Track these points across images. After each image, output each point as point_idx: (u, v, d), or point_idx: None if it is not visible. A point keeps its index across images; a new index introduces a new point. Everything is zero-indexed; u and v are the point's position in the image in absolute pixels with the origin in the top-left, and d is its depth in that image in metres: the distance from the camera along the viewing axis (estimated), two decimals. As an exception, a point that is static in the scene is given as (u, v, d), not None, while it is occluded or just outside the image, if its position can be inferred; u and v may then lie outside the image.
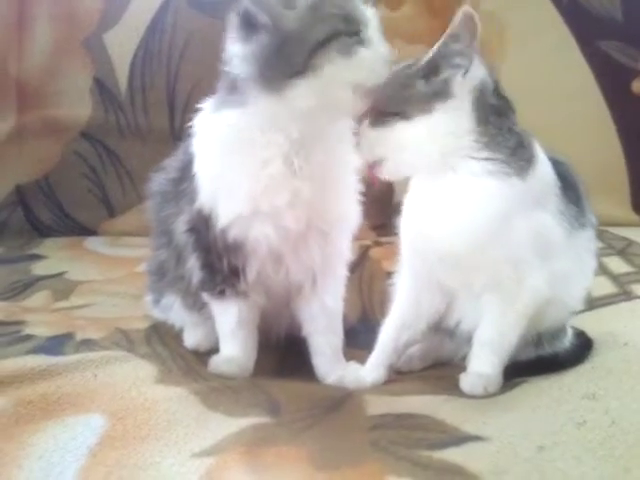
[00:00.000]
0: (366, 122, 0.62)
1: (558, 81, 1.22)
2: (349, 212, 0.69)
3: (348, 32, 0.59)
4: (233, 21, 0.61)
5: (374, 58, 0.60)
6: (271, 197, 0.63)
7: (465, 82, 0.58)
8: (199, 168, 0.66)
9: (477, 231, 0.58)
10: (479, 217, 0.58)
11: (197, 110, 0.68)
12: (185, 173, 0.69)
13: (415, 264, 0.65)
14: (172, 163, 0.74)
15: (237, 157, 0.63)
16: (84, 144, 1.24)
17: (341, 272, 0.72)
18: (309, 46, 0.58)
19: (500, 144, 0.59)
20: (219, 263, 0.67)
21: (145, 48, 1.23)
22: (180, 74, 1.22)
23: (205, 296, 0.71)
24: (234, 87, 0.62)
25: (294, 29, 0.58)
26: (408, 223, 0.63)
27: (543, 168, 0.61)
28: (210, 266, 0.68)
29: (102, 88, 1.23)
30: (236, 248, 0.65)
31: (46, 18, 1.24)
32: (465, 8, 0.57)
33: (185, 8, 1.22)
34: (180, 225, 0.69)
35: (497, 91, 0.61)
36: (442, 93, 0.58)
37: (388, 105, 0.60)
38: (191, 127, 0.68)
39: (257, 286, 0.68)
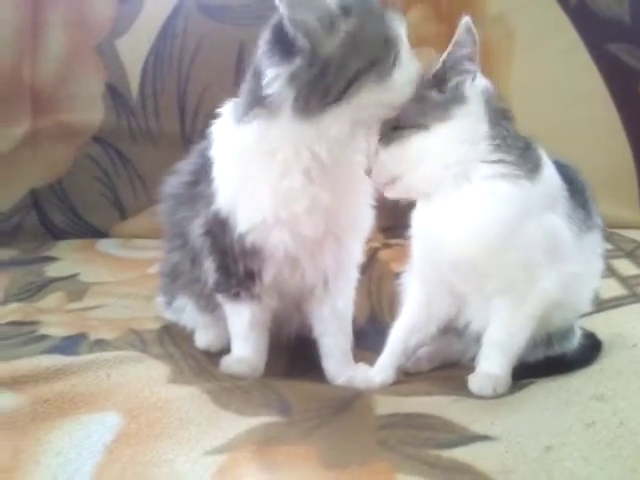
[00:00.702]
0: (377, 144, 0.62)
1: (567, 84, 1.22)
2: (363, 217, 0.69)
3: (387, 57, 0.58)
4: (267, 36, 0.60)
5: (406, 79, 0.60)
6: (290, 205, 0.64)
7: (474, 86, 0.60)
8: (219, 173, 0.66)
9: (490, 235, 0.58)
10: (492, 221, 0.58)
11: (215, 115, 0.68)
12: (201, 176, 0.70)
13: (426, 269, 0.65)
14: (185, 166, 0.74)
15: (259, 166, 0.64)
16: (97, 148, 1.26)
17: (353, 275, 0.73)
18: (348, 75, 0.57)
19: (511, 146, 0.60)
20: (235, 266, 0.68)
21: (156, 53, 1.24)
22: (190, 79, 1.23)
23: (219, 297, 0.72)
24: (265, 102, 0.61)
25: (334, 56, 0.57)
26: (420, 228, 0.64)
27: (549, 172, 0.62)
28: (225, 269, 0.69)
29: (114, 93, 1.25)
30: (253, 253, 0.66)
31: (59, 25, 1.26)
32: (466, 19, 0.59)
33: (195, 14, 1.24)
34: (196, 228, 0.70)
35: (498, 97, 0.62)
36: (457, 98, 0.59)
37: (403, 120, 0.60)
38: (208, 131, 0.69)
39: (271, 289, 0.69)
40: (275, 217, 0.64)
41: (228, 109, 0.67)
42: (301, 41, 0.57)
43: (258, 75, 0.61)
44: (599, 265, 0.68)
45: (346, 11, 0.58)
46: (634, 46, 1.20)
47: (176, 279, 0.77)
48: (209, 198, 0.67)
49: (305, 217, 0.64)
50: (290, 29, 0.57)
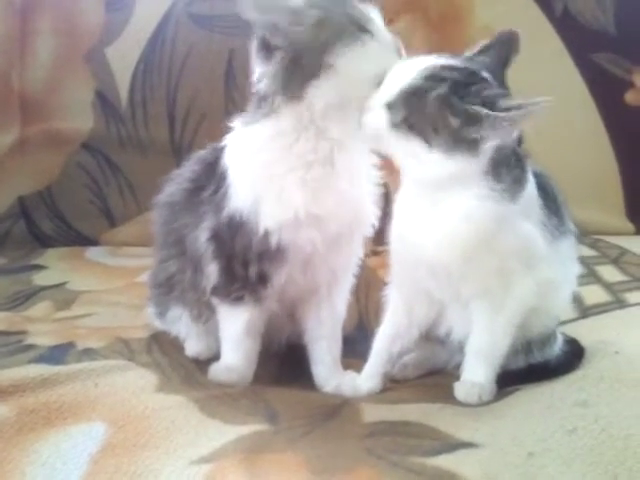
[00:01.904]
0: (387, 117, 0.57)
1: (552, 93, 1.21)
2: (374, 210, 0.70)
3: (354, 29, 0.62)
4: (254, 45, 0.65)
5: (382, 46, 0.62)
6: (317, 201, 0.64)
7: (492, 146, 0.55)
8: (235, 177, 0.67)
9: (467, 245, 0.59)
10: (468, 230, 0.59)
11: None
12: (205, 182, 0.70)
13: (404, 275, 0.66)
14: (183, 174, 0.74)
15: (279, 163, 0.65)
16: (86, 156, 1.26)
17: (351, 277, 0.74)
18: (318, 50, 0.61)
19: (503, 175, 0.58)
20: (243, 270, 0.67)
21: (146, 61, 1.25)
22: (180, 87, 1.23)
23: (217, 302, 0.71)
24: (263, 103, 0.65)
25: (305, 42, 0.62)
26: (397, 234, 0.64)
27: (529, 184, 0.62)
28: (230, 273, 0.68)
29: (104, 101, 1.25)
30: (276, 253, 0.66)
31: (48, 32, 1.26)
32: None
33: (185, 22, 1.24)
34: (201, 233, 0.69)
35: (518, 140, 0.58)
36: (470, 148, 0.55)
37: (417, 119, 0.55)
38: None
39: (276, 292, 0.69)
40: (307, 212, 0.64)
41: (238, 119, 0.69)
42: (275, 41, 0.62)
43: (256, 83, 0.65)
44: (575, 270, 0.69)
45: (310, 3, 0.62)
46: (619, 56, 1.22)
47: (172, 289, 0.76)
48: (218, 203, 0.67)
49: (333, 213, 0.65)
50: (263, 31, 0.63)
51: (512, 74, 1.21)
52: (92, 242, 1.26)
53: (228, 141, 0.69)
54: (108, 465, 0.51)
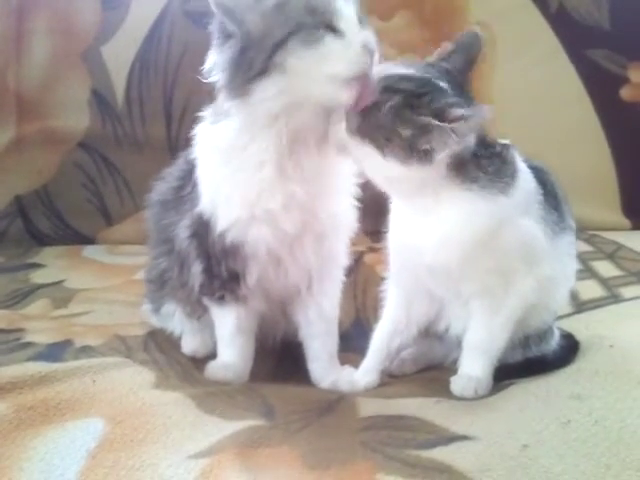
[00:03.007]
0: (344, 124, 0.58)
1: (548, 89, 1.24)
2: (345, 216, 0.69)
3: (314, 24, 0.57)
4: (213, 32, 0.62)
5: (346, 47, 0.57)
6: (265, 201, 0.64)
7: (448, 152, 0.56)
8: (200, 175, 0.67)
9: (465, 245, 0.59)
10: (467, 233, 0.59)
11: (196, 119, 0.69)
12: (186, 180, 0.70)
13: (403, 273, 0.66)
14: (173, 172, 0.75)
15: (233, 163, 0.64)
16: (82, 154, 1.26)
17: (337, 276, 0.73)
18: (269, 45, 0.57)
19: (480, 170, 0.58)
20: (218, 268, 0.68)
21: (142, 60, 1.25)
22: (176, 85, 1.24)
23: (206, 301, 0.72)
24: (217, 97, 0.63)
25: (258, 32, 0.57)
26: (395, 233, 0.64)
27: (524, 177, 0.63)
28: (210, 271, 0.69)
29: (100, 99, 1.25)
30: (234, 252, 0.66)
31: (44, 31, 1.25)
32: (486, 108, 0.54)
33: (181, 20, 1.24)
34: (182, 231, 0.70)
35: (482, 139, 0.59)
36: (423, 158, 0.55)
37: (371, 128, 0.57)
38: (191, 136, 0.70)
39: (256, 291, 0.69)
40: (250, 213, 0.64)
41: (206, 112, 0.68)
42: (230, 25, 0.58)
43: (209, 72, 0.63)
44: (573, 266, 0.69)
45: None
46: (613, 52, 1.22)
47: (164, 285, 0.77)
48: (194, 201, 0.68)
49: (281, 213, 0.64)
50: (218, 15, 0.59)
51: (508, 71, 1.22)
52: (89, 240, 1.26)
53: (196, 136, 0.68)
54: (106, 460, 0.52)
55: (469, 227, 0.59)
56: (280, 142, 0.62)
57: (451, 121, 0.54)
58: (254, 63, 0.58)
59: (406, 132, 0.55)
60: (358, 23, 0.59)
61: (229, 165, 0.64)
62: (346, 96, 0.58)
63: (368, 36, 0.59)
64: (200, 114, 0.69)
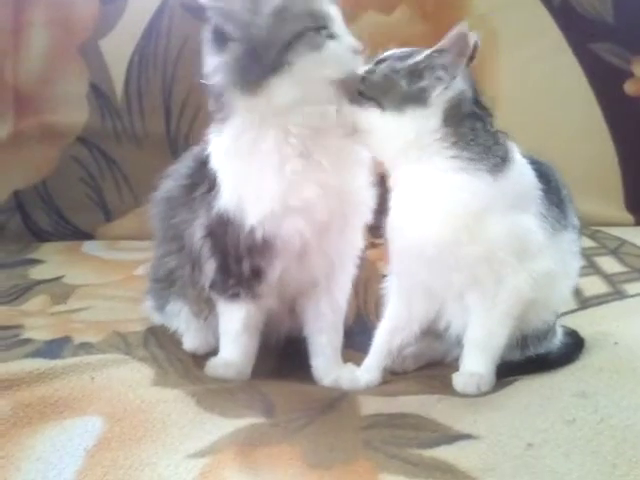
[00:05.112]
0: (345, 97, 0.63)
1: (551, 83, 1.23)
2: (366, 198, 0.70)
3: (315, 28, 0.61)
4: (207, 36, 0.63)
5: (342, 49, 0.62)
6: (300, 191, 0.64)
7: (444, 93, 0.60)
8: (220, 174, 0.67)
9: (447, 224, 0.59)
10: (448, 211, 0.59)
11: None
12: (199, 180, 0.70)
13: (401, 265, 0.66)
14: (180, 170, 0.74)
15: (256, 157, 0.65)
16: (81, 149, 1.25)
17: (352, 268, 0.73)
18: (279, 46, 0.60)
19: (470, 143, 0.60)
20: (237, 266, 0.67)
21: (141, 53, 1.24)
22: (176, 79, 1.23)
23: (215, 297, 0.71)
24: (220, 100, 0.64)
25: (262, 34, 0.60)
26: (390, 222, 0.65)
27: (521, 170, 0.62)
28: (226, 269, 0.68)
29: (98, 94, 1.24)
30: (264, 247, 0.66)
31: (42, 25, 1.25)
32: (461, 26, 0.58)
33: (180, 13, 1.24)
34: (197, 230, 0.70)
35: (476, 99, 0.62)
36: (419, 99, 0.60)
37: (368, 89, 0.62)
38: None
39: (273, 287, 0.69)
40: (284, 205, 0.64)
41: (212, 127, 0.68)
42: (230, 28, 0.61)
43: (208, 76, 0.64)
44: (575, 264, 0.68)
45: None
46: (617, 46, 1.21)
47: (172, 284, 0.76)
48: (210, 201, 0.68)
49: (317, 202, 0.65)
50: (218, 19, 0.61)
51: (512, 64, 1.21)
52: (88, 236, 1.26)
53: (211, 148, 0.69)
54: (104, 459, 0.51)
55: (450, 203, 0.59)
56: (300, 132, 0.64)
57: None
58: (263, 62, 0.61)
59: (400, 81, 0.60)
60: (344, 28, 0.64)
61: (252, 162, 0.65)
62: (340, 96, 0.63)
63: (353, 39, 0.64)
64: (208, 113, 0.68)
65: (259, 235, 0.65)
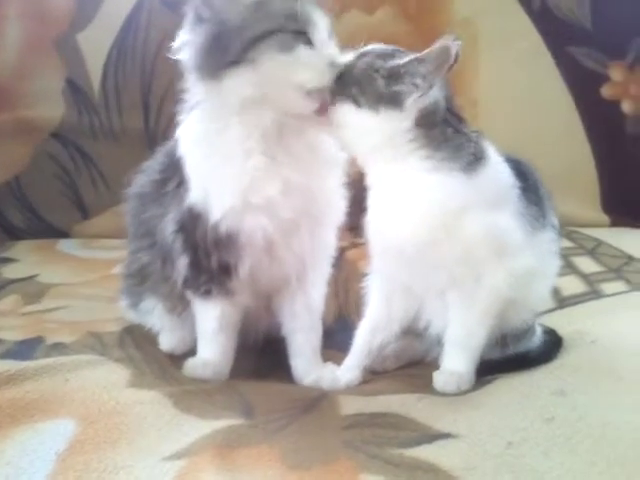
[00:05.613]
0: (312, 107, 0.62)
1: (530, 86, 1.24)
2: (338, 198, 0.69)
3: (291, 30, 0.59)
4: (187, 13, 0.63)
5: (316, 59, 0.60)
6: (262, 188, 0.63)
7: (419, 101, 0.60)
8: (188, 167, 0.66)
9: (423, 224, 0.59)
10: (424, 211, 0.59)
11: (175, 110, 0.68)
12: (170, 174, 0.69)
13: (378, 263, 0.66)
14: (153, 165, 0.73)
15: (220, 152, 0.64)
16: (56, 145, 1.22)
17: (326, 267, 0.73)
18: (246, 40, 0.59)
19: (442, 143, 0.60)
20: (206, 261, 0.67)
21: (119, 48, 1.21)
22: (154, 74, 1.21)
23: (189, 295, 0.70)
24: (185, 81, 0.63)
25: (235, 23, 0.60)
26: (368, 222, 0.64)
27: (497, 168, 0.62)
28: (197, 265, 0.68)
29: (75, 89, 1.22)
30: (228, 242, 0.65)
31: (16, 17, 1.21)
32: (445, 38, 0.58)
33: (159, 7, 1.22)
34: (168, 225, 0.69)
35: (449, 108, 0.62)
36: (394, 102, 0.60)
37: (346, 83, 0.61)
38: (170, 128, 0.69)
39: (245, 284, 0.68)
40: (245, 201, 0.63)
41: (181, 113, 0.67)
42: (205, 12, 0.61)
43: (176, 51, 0.64)
44: (554, 264, 0.69)
45: None
46: (595, 50, 1.23)
47: (144, 280, 0.75)
48: (181, 195, 0.67)
49: (279, 199, 0.64)
50: (199, 3, 0.61)
51: (491, 67, 1.22)
52: (64, 234, 1.23)
53: (178, 135, 0.68)
54: (76, 463, 0.50)
55: (424, 202, 0.59)
56: (264, 128, 0.63)
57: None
58: (228, 51, 0.60)
59: (378, 80, 0.60)
60: (328, 38, 0.62)
61: (216, 155, 0.64)
62: (306, 106, 0.61)
63: (335, 53, 0.62)
64: (178, 106, 0.67)
65: (223, 230, 0.64)
